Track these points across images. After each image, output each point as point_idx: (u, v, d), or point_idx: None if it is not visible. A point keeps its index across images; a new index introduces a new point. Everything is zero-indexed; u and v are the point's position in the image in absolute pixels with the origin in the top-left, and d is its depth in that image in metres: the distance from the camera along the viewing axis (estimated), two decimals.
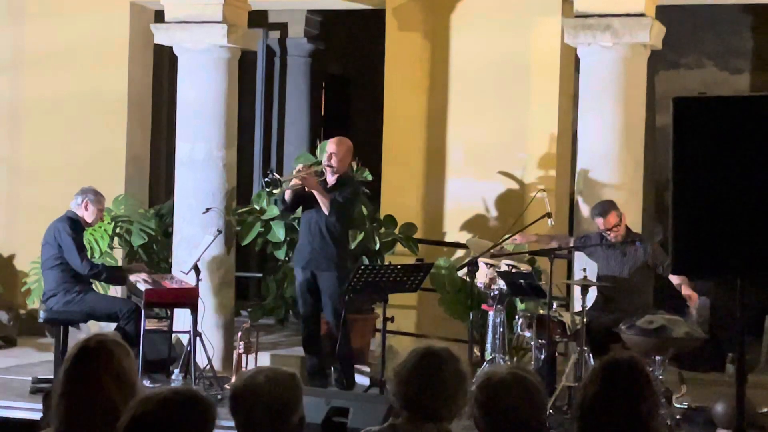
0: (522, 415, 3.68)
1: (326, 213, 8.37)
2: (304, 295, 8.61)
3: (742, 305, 3.63)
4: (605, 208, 8.32)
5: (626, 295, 8.19)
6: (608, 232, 8.29)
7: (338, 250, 8.51)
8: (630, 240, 8.30)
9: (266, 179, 8.53)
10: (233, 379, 7.88)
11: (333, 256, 8.44)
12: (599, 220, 8.33)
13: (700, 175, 3.50)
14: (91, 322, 8.99)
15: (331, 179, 8.55)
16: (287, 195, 8.46)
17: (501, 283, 8.25)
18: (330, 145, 8.61)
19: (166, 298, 8.56)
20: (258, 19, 11.42)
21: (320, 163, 9.55)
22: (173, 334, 8.98)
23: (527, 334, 8.16)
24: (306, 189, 8.38)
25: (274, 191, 8.45)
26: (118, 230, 10.22)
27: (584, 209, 8.83)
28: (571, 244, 8.69)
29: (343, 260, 8.52)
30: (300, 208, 8.67)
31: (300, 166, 8.59)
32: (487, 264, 8.37)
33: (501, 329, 8.30)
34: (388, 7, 10.55)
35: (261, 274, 10.67)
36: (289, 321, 10.15)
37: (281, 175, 8.66)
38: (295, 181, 8.38)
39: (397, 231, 9.70)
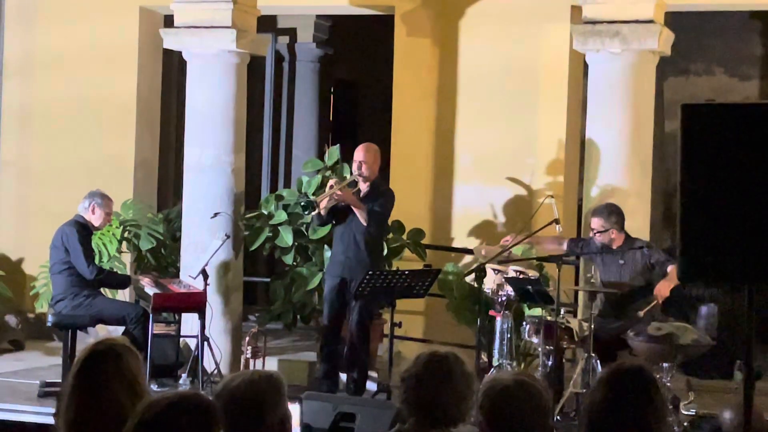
0: (527, 421, 3.69)
1: (364, 224, 8.38)
2: (332, 301, 8.57)
3: (750, 312, 3.62)
4: (598, 211, 8.32)
5: (629, 301, 8.17)
6: (596, 235, 8.30)
7: (372, 258, 8.50)
8: (638, 246, 8.27)
9: (302, 203, 8.55)
10: None
11: (367, 265, 8.40)
12: (591, 218, 8.35)
13: (708, 181, 3.50)
14: (99, 326, 9.01)
15: (363, 187, 8.55)
16: (323, 211, 8.46)
17: (508, 289, 8.24)
18: (358, 153, 8.57)
19: (174, 303, 8.58)
20: (267, 24, 11.44)
21: (330, 168, 9.58)
22: (181, 339, 8.98)
23: (535, 340, 8.15)
24: (343, 203, 8.40)
25: (312, 213, 8.43)
26: (126, 234, 10.24)
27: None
28: (565, 247, 8.65)
29: (377, 268, 8.48)
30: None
31: (332, 182, 8.52)
32: (494, 270, 8.37)
33: (508, 335, 8.29)
34: (397, 13, 10.56)
35: (269, 279, 10.68)
36: (296, 326, 10.16)
37: (304, 195, 8.69)
38: (331, 199, 8.38)
39: (405, 236, 9.70)
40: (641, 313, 7.93)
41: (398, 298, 8.12)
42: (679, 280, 7.56)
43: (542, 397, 3.74)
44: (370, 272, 8.08)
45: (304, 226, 9.56)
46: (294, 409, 6.80)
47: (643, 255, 8.24)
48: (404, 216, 9.86)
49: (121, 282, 9.11)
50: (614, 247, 8.27)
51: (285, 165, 13.86)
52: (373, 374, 9.05)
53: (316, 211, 8.37)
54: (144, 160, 11.15)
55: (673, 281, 7.92)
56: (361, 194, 8.51)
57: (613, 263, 8.30)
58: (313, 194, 9.21)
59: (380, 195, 8.57)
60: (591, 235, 8.36)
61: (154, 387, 8.09)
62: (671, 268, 7.98)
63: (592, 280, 7.98)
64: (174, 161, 12.18)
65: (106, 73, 11.00)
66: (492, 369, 8.13)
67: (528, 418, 3.69)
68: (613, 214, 8.26)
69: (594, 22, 8.90)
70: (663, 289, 7.98)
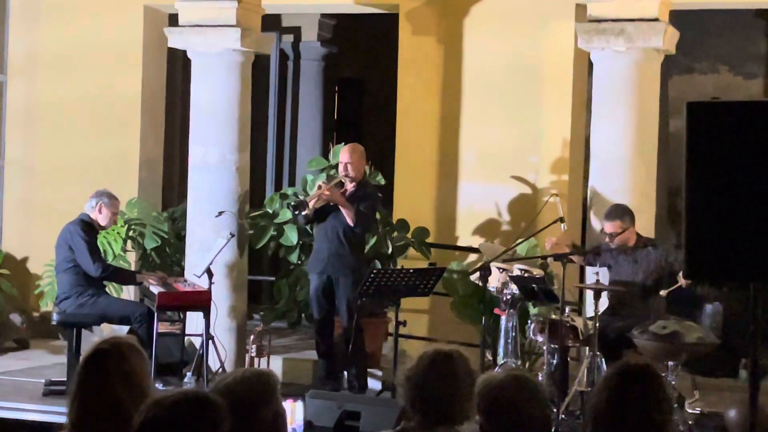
0: (526, 414, 3.69)
1: (351, 224, 8.47)
2: (319, 299, 8.66)
3: (756, 310, 3.62)
4: (613, 214, 8.28)
5: (639, 300, 8.16)
6: (607, 237, 8.26)
7: (355, 255, 8.60)
8: (642, 245, 8.26)
9: (293, 203, 8.66)
10: None
11: (350, 262, 8.53)
12: (605, 223, 8.31)
13: (713, 180, 3.50)
14: (104, 325, 9.02)
15: (350, 186, 8.65)
16: (310, 211, 8.54)
17: (513, 288, 8.24)
18: (343, 155, 8.70)
19: (178, 301, 8.58)
20: (271, 22, 11.44)
21: (334, 166, 9.58)
22: (186, 337, 8.99)
23: (539, 338, 8.15)
24: (330, 202, 8.47)
25: (303, 213, 8.51)
26: (131, 233, 10.25)
27: (596, 214, 8.81)
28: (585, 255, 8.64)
29: (359, 265, 8.59)
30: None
31: (320, 182, 8.68)
32: (499, 268, 8.36)
33: (513, 334, 8.30)
34: (401, 11, 10.56)
35: (273, 278, 10.68)
36: (301, 324, 10.16)
37: (306, 195, 8.82)
38: (320, 199, 8.46)
39: (409, 235, 9.71)
40: (663, 293, 7.93)
41: (403, 297, 8.13)
42: (685, 279, 7.58)
43: (537, 388, 3.76)
44: (374, 270, 8.11)
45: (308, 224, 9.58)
46: (298, 406, 6.82)
47: (657, 253, 8.20)
48: (409, 214, 9.87)
49: (128, 278, 9.07)
50: (629, 246, 8.24)
51: (289, 163, 13.85)
52: (378, 372, 9.05)
53: (306, 209, 8.46)
54: (148, 158, 11.15)
55: None
56: (347, 194, 8.60)
57: (625, 263, 8.27)
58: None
59: (366, 195, 8.67)
60: (607, 239, 8.29)
61: (158, 386, 8.09)
62: None
63: (597, 278, 7.96)
64: (178, 160, 12.18)
65: (111, 72, 11.01)
66: (497, 367, 8.12)
67: (526, 410, 3.69)
68: (627, 213, 8.25)
69: (599, 20, 8.89)
70: None
